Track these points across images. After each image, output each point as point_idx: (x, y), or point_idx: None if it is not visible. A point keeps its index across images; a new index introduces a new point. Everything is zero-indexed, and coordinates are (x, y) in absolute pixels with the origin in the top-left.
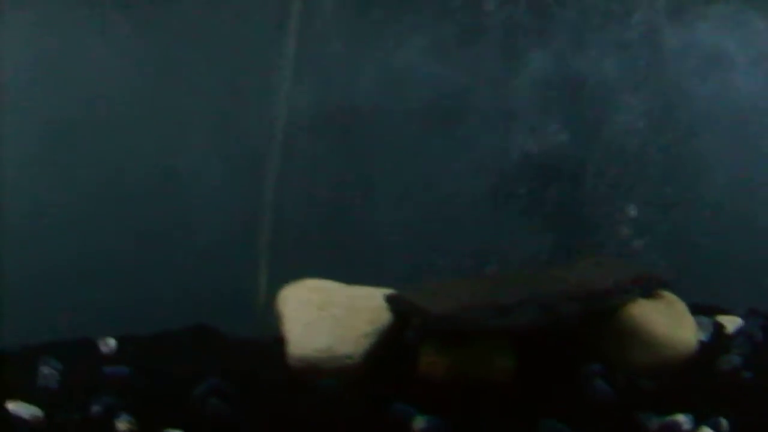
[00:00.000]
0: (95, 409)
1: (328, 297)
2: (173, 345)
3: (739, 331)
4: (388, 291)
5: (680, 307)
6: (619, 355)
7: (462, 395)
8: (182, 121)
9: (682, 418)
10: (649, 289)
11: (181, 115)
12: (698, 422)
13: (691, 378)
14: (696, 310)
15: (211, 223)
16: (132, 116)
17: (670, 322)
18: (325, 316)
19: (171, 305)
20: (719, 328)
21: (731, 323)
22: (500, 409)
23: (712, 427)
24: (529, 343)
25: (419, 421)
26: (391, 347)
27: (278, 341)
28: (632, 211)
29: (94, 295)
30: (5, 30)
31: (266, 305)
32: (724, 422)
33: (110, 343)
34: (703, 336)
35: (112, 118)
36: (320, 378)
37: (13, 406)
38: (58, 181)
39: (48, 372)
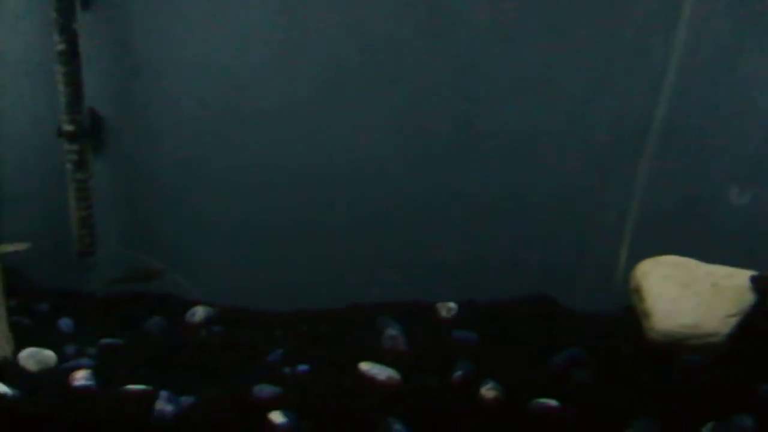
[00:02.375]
0: (457, 374)
1: (689, 274)
2: (513, 313)
3: None
4: (750, 272)
5: None
6: None
7: None
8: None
9: None
10: None
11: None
12: None
13: None
14: None
15: (561, 196)
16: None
17: None
18: (689, 294)
19: (508, 273)
20: None
21: None
22: None
23: None
24: None
25: None
26: (748, 327)
27: (629, 314)
28: None
29: (433, 257)
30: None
31: (622, 280)
32: None
33: (451, 307)
34: None
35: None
36: (682, 353)
37: (367, 367)
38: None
39: (394, 334)
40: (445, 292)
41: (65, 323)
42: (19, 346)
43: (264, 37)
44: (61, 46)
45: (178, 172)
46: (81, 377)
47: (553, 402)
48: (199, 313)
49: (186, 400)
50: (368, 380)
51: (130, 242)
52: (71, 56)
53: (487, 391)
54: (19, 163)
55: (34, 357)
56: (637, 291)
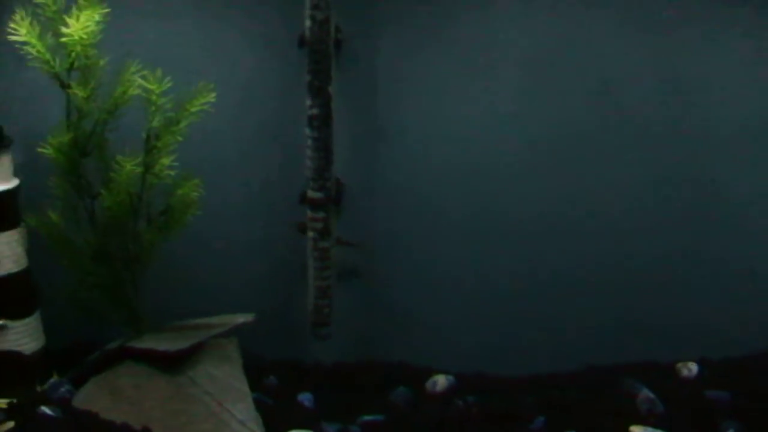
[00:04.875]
0: None
1: None
2: (751, 369)
3: None
4: None
5: None
6: None
7: None
8: None
9: None
10: None
11: None
12: None
13: None
14: None
15: None
16: None
17: None
18: None
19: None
20: None
21: None
22: None
23: None
24: None
25: None
26: None
27: None
28: None
29: (666, 317)
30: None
31: None
32: None
33: (692, 368)
34: None
35: None
36: None
37: (638, 430)
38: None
39: (651, 396)
40: (673, 352)
41: (306, 398)
42: (268, 426)
43: (509, 94)
44: (313, 111)
45: (415, 235)
46: None
47: None
48: (441, 382)
49: None
50: None
51: (363, 309)
52: (324, 121)
53: None
54: (247, 228)
55: None
56: None
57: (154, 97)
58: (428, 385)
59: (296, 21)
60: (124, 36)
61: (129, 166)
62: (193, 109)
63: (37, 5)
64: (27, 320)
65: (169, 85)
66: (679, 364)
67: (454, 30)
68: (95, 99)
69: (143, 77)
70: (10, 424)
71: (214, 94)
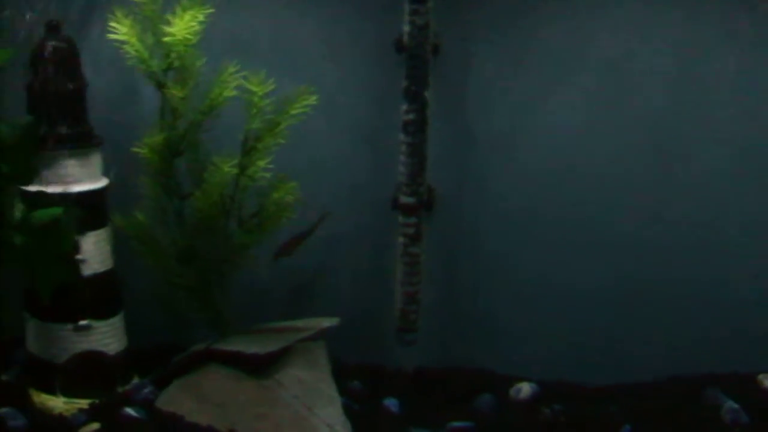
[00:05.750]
0: None
1: None
2: None
3: None
4: None
5: None
6: None
7: None
8: None
9: None
10: None
11: None
12: None
13: None
14: None
15: None
16: None
17: None
18: None
19: None
20: None
21: None
22: None
23: None
24: None
25: None
26: None
27: None
28: None
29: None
30: None
31: None
32: None
33: None
34: None
35: None
36: None
37: None
38: None
39: (735, 407)
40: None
41: (392, 404)
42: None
43: (602, 103)
44: (409, 116)
45: (503, 241)
46: None
47: None
48: (525, 389)
49: None
50: None
51: (447, 314)
52: (419, 127)
53: None
54: (334, 232)
55: None
56: None
57: (256, 99)
58: (512, 392)
59: (391, 26)
60: (218, 34)
61: (226, 167)
62: (294, 112)
63: (134, 4)
64: (111, 320)
65: (272, 87)
66: (761, 376)
67: (549, 38)
68: (190, 99)
69: (244, 78)
70: (95, 425)
71: (315, 97)
